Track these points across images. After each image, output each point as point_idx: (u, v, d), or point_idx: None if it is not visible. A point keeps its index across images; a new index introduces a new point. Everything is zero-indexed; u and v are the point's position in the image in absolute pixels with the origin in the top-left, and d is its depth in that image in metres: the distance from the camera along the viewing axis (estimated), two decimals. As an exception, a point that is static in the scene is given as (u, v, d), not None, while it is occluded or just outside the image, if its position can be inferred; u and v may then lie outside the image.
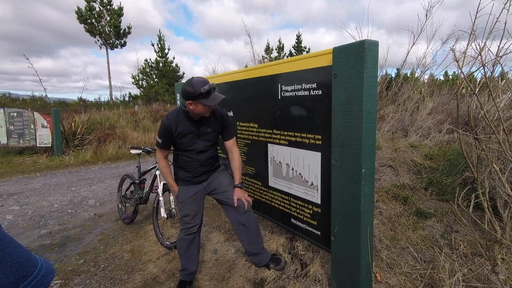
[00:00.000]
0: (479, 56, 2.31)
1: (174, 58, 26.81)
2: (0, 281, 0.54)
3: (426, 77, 8.29)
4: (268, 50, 28.37)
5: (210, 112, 2.32)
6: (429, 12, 6.07)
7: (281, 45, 30.14)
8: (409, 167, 4.25)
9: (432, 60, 7.31)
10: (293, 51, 31.03)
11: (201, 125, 2.36)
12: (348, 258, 1.98)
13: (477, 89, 2.55)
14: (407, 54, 6.58)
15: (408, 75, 8.12)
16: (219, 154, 3.46)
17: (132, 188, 4.15)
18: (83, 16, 23.48)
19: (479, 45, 2.34)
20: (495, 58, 2.29)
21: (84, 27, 24.09)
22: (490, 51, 2.34)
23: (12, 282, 0.55)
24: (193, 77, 2.17)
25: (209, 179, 2.58)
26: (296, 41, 31.34)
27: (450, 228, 2.96)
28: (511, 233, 2.37)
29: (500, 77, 3.13)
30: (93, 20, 24.13)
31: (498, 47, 2.27)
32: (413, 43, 6.41)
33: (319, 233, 2.28)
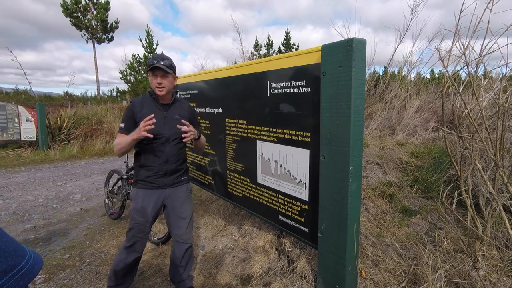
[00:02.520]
0: (463, 55, 2.36)
1: (162, 53, 26.40)
2: None
3: (412, 75, 8.39)
4: (257, 47, 28.25)
5: (163, 88, 2.19)
6: (414, 11, 6.10)
7: (270, 42, 30.03)
8: (396, 164, 4.32)
9: (419, 58, 7.40)
10: (282, 48, 30.96)
11: (168, 109, 2.31)
12: (335, 254, 2.00)
13: (461, 88, 2.59)
14: (394, 52, 6.62)
15: (395, 73, 8.21)
16: (208, 151, 3.45)
17: (119, 183, 4.11)
18: (69, 10, 22.86)
19: (463, 44, 2.39)
20: (479, 57, 2.34)
21: (70, 21, 23.50)
22: (474, 50, 2.39)
23: (0, 271, 0.55)
24: None
25: (171, 193, 2.35)
26: (285, 38, 31.25)
27: (434, 225, 3.02)
28: (491, 230, 2.43)
29: (483, 76, 3.20)
30: (79, 14, 23.57)
31: (481, 46, 2.31)
32: (400, 41, 6.46)
33: (306, 229, 2.30)
